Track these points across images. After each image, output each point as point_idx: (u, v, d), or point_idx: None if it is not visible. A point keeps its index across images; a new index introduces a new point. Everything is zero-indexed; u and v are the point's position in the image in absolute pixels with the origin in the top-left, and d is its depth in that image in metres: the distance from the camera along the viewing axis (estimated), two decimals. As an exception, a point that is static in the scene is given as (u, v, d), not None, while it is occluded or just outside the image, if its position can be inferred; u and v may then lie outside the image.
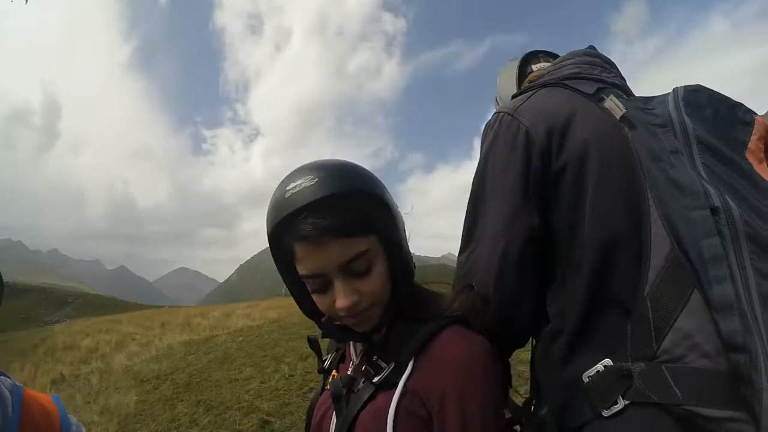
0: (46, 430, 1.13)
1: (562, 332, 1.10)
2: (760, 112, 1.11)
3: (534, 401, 1.21)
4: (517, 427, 1.20)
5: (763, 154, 1.04)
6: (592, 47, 1.41)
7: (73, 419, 1.22)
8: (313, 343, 1.24)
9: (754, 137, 1.05)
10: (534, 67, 1.66)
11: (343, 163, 1.05)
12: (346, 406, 1.05)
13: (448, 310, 1.08)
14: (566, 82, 1.28)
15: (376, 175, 1.08)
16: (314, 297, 1.06)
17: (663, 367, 0.91)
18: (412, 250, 1.15)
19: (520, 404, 1.24)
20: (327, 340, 1.32)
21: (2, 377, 1.13)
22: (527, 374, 1.25)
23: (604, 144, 1.10)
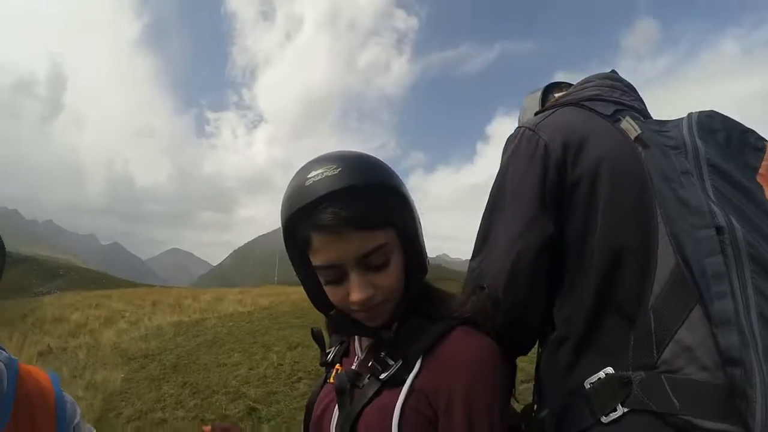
0: (41, 406, 1.11)
1: (567, 339, 1.11)
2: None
3: (535, 407, 1.21)
4: None
5: None
6: (614, 71, 1.46)
7: (68, 397, 1.19)
8: (317, 336, 1.23)
9: (765, 162, 1.09)
10: (556, 95, 1.73)
11: (365, 155, 1.04)
12: (350, 402, 1.04)
13: (458, 311, 1.07)
14: (585, 103, 1.33)
15: None
16: (327, 289, 1.04)
17: (662, 377, 0.93)
18: None
19: (519, 411, 1.25)
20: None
21: None
22: (523, 382, 1.25)
23: (617, 162, 1.13)
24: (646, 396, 0.93)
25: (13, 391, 1.06)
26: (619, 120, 1.23)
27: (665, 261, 0.99)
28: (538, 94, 1.85)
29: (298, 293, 16.26)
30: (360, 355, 1.15)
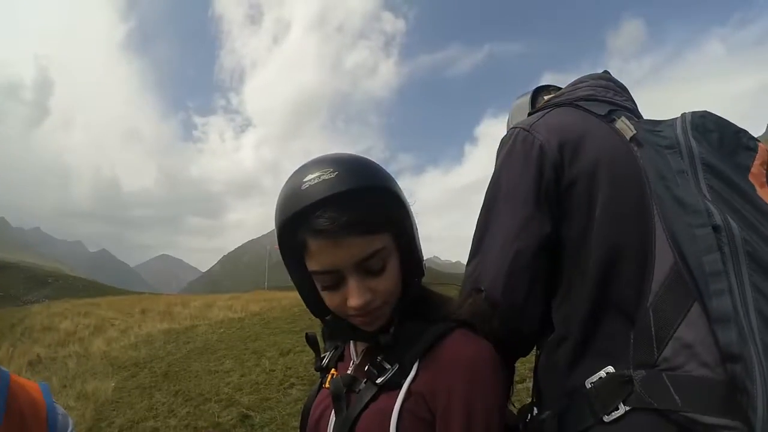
0: (32, 418, 1.10)
1: (566, 339, 1.12)
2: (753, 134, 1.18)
3: (532, 408, 1.21)
4: None
5: (764, 179, 1.10)
6: (606, 72, 1.47)
7: (60, 409, 1.19)
8: (312, 341, 1.22)
9: (757, 162, 1.11)
10: (545, 98, 1.75)
11: (360, 158, 1.03)
12: (347, 407, 1.04)
13: (455, 314, 1.07)
14: (580, 103, 1.34)
15: None
16: (323, 294, 1.03)
17: (663, 375, 0.94)
18: None
19: (515, 411, 1.25)
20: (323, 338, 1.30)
21: None
22: (516, 383, 1.25)
23: (613, 162, 1.15)
24: (647, 394, 0.94)
25: (3, 403, 1.05)
26: (613, 120, 1.24)
27: (663, 259, 1.00)
28: (527, 98, 1.89)
29: (288, 298, 16.24)
30: (355, 359, 1.15)
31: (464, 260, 1.36)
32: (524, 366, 1.25)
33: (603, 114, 1.27)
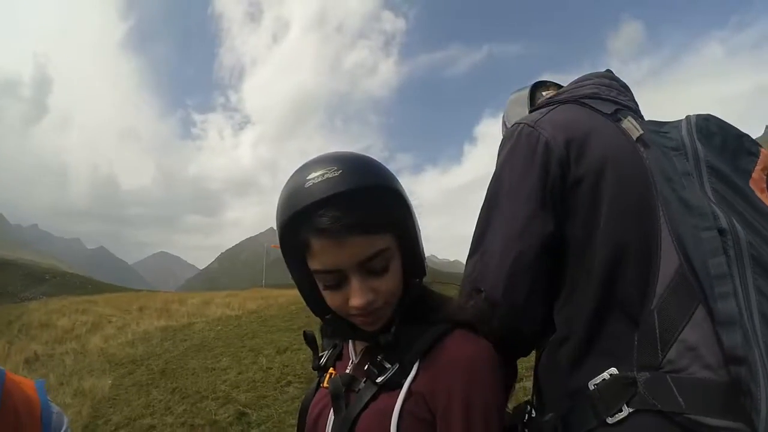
0: (27, 416, 1.10)
1: (568, 340, 1.12)
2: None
3: (529, 408, 1.22)
4: None
5: (765, 185, 1.11)
6: (609, 71, 1.46)
7: (55, 407, 1.18)
8: (310, 339, 1.22)
9: (758, 167, 1.12)
10: (544, 94, 1.76)
11: (364, 156, 1.03)
12: (346, 406, 1.03)
13: (455, 314, 1.07)
14: (585, 100, 1.33)
15: None
16: (325, 293, 1.03)
17: (667, 377, 0.95)
18: None
19: (511, 410, 1.24)
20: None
21: None
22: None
23: (621, 161, 1.14)
24: (651, 396, 0.94)
25: None
26: (619, 119, 1.24)
27: (668, 261, 1.01)
28: (526, 92, 1.87)
29: (286, 296, 16.23)
30: (354, 358, 1.15)
31: (462, 259, 1.35)
32: (521, 365, 1.24)
33: (609, 113, 1.26)
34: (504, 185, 1.26)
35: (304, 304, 1.13)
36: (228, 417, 6.37)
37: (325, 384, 1.13)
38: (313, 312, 1.12)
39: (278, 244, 1.04)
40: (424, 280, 1.13)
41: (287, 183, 1.00)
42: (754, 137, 1.17)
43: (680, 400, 0.91)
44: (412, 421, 0.95)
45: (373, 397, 1.00)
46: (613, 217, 1.10)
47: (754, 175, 1.11)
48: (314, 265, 0.98)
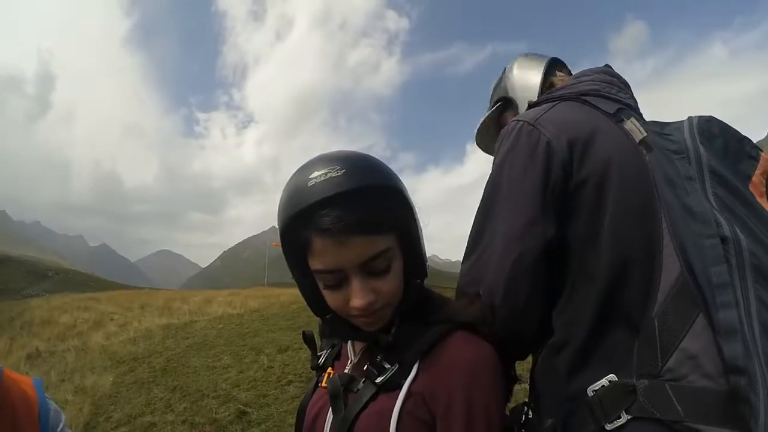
0: (24, 414, 1.10)
1: (568, 345, 1.10)
2: (753, 139, 1.16)
3: (527, 409, 1.20)
4: None
5: (764, 189, 1.10)
6: (608, 66, 1.44)
7: (52, 404, 1.18)
8: (309, 339, 1.22)
9: (758, 172, 1.11)
10: (558, 74, 1.67)
11: (367, 156, 1.01)
12: (344, 406, 1.03)
13: (456, 315, 1.06)
14: (586, 98, 1.30)
15: None
16: (325, 293, 1.02)
17: (666, 385, 0.94)
18: None
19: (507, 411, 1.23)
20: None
21: None
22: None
23: (624, 164, 1.12)
24: (650, 404, 0.94)
25: None
26: (622, 120, 1.22)
27: (670, 269, 1.00)
28: (543, 64, 1.67)
29: (287, 295, 16.24)
30: (353, 358, 1.15)
31: (463, 259, 1.33)
32: (521, 367, 1.23)
33: (611, 112, 1.24)
34: (503, 186, 1.23)
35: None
36: (228, 415, 6.37)
37: (324, 384, 1.12)
38: (313, 311, 1.11)
39: (280, 243, 1.03)
40: (425, 280, 1.13)
41: (289, 182, 0.99)
42: (757, 139, 1.16)
43: (679, 408, 0.91)
44: (411, 422, 0.94)
45: (372, 398, 1.00)
46: (616, 221, 1.08)
47: (754, 179, 1.10)
48: (315, 264, 0.98)
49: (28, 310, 20.48)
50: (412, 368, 0.99)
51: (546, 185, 1.15)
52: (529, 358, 1.29)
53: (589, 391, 1.03)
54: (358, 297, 0.96)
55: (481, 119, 1.87)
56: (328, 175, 0.92)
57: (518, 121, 1.28)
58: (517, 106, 1.67)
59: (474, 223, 1.27)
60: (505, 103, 1.77)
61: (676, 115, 1.18)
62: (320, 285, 1.02)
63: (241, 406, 6.59)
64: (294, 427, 1.20)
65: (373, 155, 1.02)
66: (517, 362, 1.25)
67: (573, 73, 1.64)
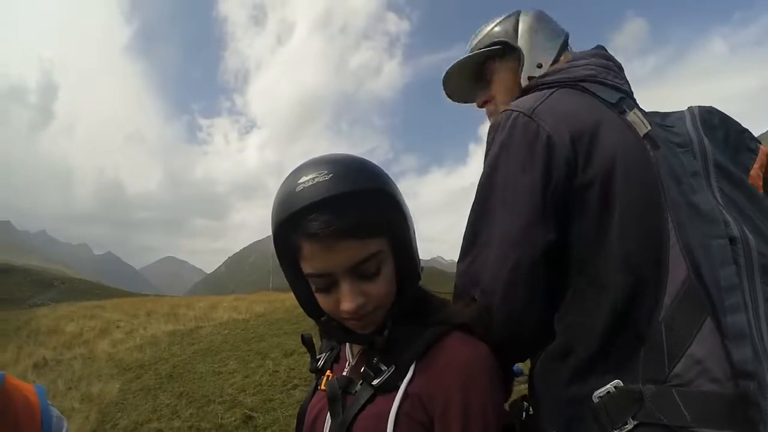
0: (26, 420, 1.10)
1: (571, 350, 1.06)
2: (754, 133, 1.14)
3: (524, 405, 1.18)
4: None
5: (761, 182, 1.08)
6: (602, 47, 1.37)
7: (54, 411, 1.19)
8: (308, 342, 1.22)
9: (756, 166, 1.08)
10: (566, 54, 1.47)
11: (357, 159, 1.01)
12: (343, 409, 1.03)
13: (452, 316, 1.06)
14: (585, 84, 1.22)
15: None
16: (317, 296, 1.03)
17: (673, 391, 0.91)
18: None
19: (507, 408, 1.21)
20: (320, 339, 1.28)
21: None
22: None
23: (630, 162, 1.06)
24: (657, 410, 0.91)
25: None
26: (624, 111, 1.15)
27: (676, 271, 0.96)
28: (561, 38, 1.49)
29: (292, 300, 16.05)
30: (351, 361, 1.15)
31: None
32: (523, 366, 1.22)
33: (613, 102, 1.16)
34: (498, 184, 1.16)
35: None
36: (234, 421, 6.37)
37: (323, 387, 1.13)
38: (308, 314, 1.12)
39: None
40: (425, 281, 1.12)
41: (280, 186, 0.99)
42: (759, 134, 1.14)
43: (686, 413, 0.88)
44: (408, 424, 0.94)
45: (370, 400, 0.99)
46: (624, 224, 1.02)
47: (752, 172, 1.08)
48: (306, 268, 0.98)
49: (34, 319, 20.56)
50: (408, 370, 0.99)
51: (546, 185, 1.08)
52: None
53: (595, 398, 0.99)
54: (347, 300, 0.96)
55: (460, 58, 1.62)
56: (316, 179, 0.92)
57: (512, 111, 1.19)
58: (519, 59, 1.46)
59: (469, 221, 1.22)
60: (503, 49, 1.51)
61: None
62: (312, 288, 1.03)
63: (247, 411, 6.59)
64: (294, 431, 1.20)
65: (375, 158, 1.02)
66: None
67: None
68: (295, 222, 0.93)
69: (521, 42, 1.46)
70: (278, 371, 8.04)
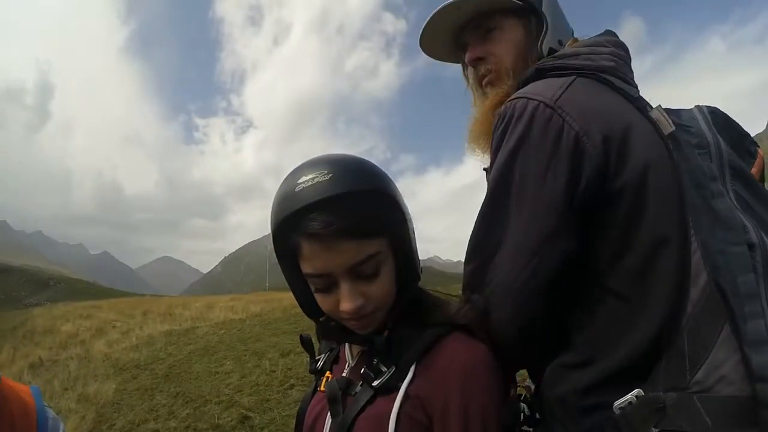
0: (22, 421, 1.10)
1: (593, 360, 1.02)
2: (752, 133, 1.11)
3: (520, 404, 1.15)
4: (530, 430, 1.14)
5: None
6: (611, 32, 1.26)
7: (50, 412, 1.18)
8: (307, 343, 1.21)
9: (754, 169, 1.07)
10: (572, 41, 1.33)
11: (357, 159, 1.01)
12: (343, 410, 1.02)
13: (452, 317, 1.05)
14: (608, 77, 1.13)
15: None
16: (317, 296, 1.02)
17: (695, 398, 0.90)
18: None
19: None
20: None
21: None
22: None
23: (659, 170, 0.99)
24: (679, 417, 0.90)
25: None
26: (647, 107, 1.08)
27: (697, 278, 0.93)
28: (570, 28, 1.40)
29: (289, 299, 16.22)
30: (351, 362, 1.14)
31: (465, 260, 1.23)
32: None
33: (636, 97, 1.10)
34: (515, 184, 1.07)
35: (307, 306, 1.12)
36: (231, 421, 6.37)
37: (322, 387, 1.12)
38: (306, 314, 1.11)
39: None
40: (424, 282, 1.12)
41: (280, 186, 0.99)
42: (757, 132, 1.13)
43: (707, 419, 0.87)
44: (409, 425, 0.94)
45: (370, 401, 0.99)
46: (655, 235, 0.97)
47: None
48: (305, 268, 0.98)
49: (30, 319, 20.55)
50: (408, 371, 0.98)
51: (573, 192, 1.01)
52: None
53: (616, 409, 0.95)
54: (346, 301, 0.96)
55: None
56: (316, 179, 0.92)
57: (529, 99, 1.08)
58: (539, 26, 1.32)
59: (478, 221, 1.13)
60: (526, 8, 1.32)
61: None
62: (311, 288, 1.03)
63: (243, 411, 6.58)
64: (293, 431, 1.19)
65: (373, 158, 1.01)
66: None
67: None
68: (295, 222, 0.93)
69: (546, 9, 1.32)
70: (275, 371, 8.03)
